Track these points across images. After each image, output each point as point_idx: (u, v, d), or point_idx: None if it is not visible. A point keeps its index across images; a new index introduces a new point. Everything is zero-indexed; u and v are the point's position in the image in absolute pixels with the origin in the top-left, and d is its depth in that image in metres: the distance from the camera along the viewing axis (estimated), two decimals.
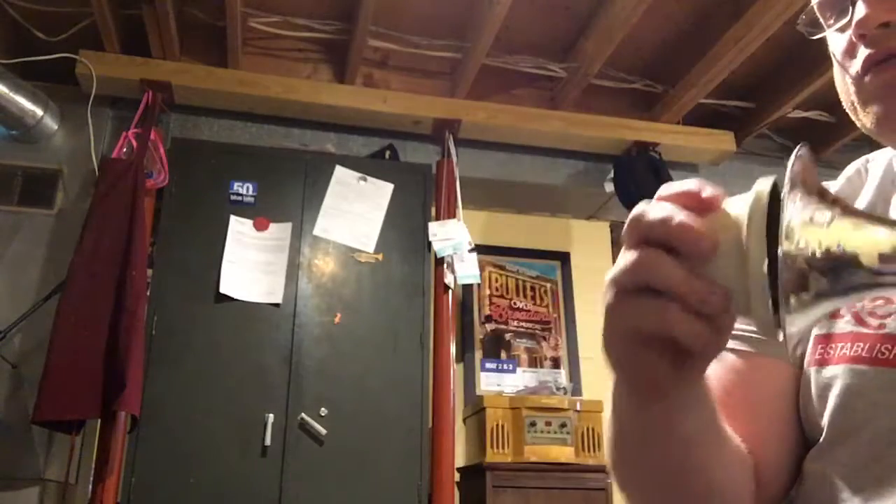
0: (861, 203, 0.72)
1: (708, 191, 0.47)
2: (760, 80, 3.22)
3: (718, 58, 2.87)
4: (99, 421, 2.45)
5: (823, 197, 0.44)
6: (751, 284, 0.43)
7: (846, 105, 0.70)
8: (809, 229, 0.42)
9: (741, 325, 0.72)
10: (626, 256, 0.48)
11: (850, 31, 0.66)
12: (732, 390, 0.70)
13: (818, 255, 0.42)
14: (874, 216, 0.43)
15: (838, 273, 0.42)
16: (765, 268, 0.42)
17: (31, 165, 2.89)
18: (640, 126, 3.30)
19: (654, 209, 0.47)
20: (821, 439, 0.67)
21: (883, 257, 0.41)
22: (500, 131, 3.24)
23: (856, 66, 0.65)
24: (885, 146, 0.73)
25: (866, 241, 0.42)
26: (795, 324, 0.43)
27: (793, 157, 0.45)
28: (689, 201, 0.47)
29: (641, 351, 0.48)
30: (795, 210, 0.43)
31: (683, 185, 0.49)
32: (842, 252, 0.41)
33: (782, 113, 3.25)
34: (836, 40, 0.69)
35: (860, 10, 0.64)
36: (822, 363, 0.68)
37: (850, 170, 0.78)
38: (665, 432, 0.57)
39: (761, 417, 0.70)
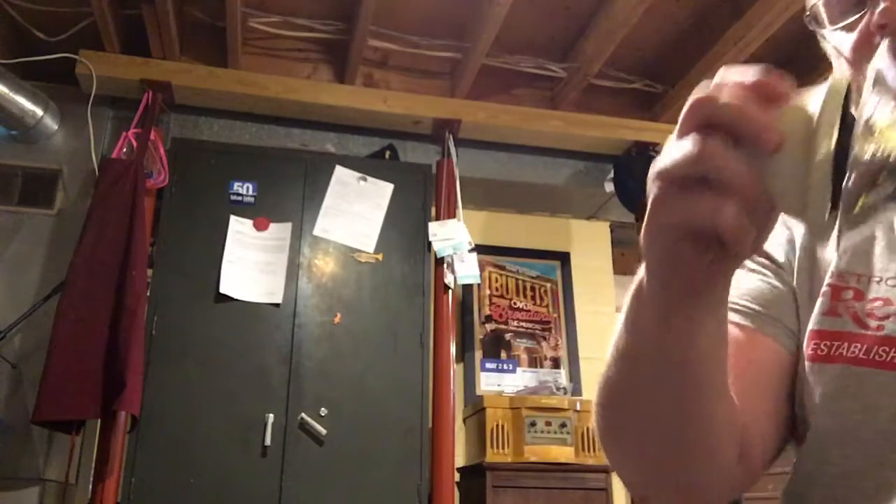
0: None
1: (779, 84, 0.44)
2: None
3: (718, 58, 2.87)
4: (99, 421, 2.45)
5: None
6: (813, 180, 0.40)
7: None
8: (893, 130, 0.38)
9: (742, 301, 0.72)
10: (685, 144, 0.44)
11: (860, 27, 0.64)
12: (732, 359, 0.68)
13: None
14: None
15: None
16: (830, 163, 0.39)
17: (31, 165, 2.89)
18: (640, 126, 3.30)
19: (722, 92, 0.44)
20: (813, 437, 0.66)
21: None
22: (500, 131, 3.24)
23: (876, 58, 0.62)
24: None
25: None
26: (849, 236, 0.41)
27: (880, 50, 0.41)
28: (758, 92, 0.44)
29: (687, 247, 0.46)
30: (879, 107, 0.39)
31: (751, 72, 0.46)
32: None
33: None
34: (843, 37, 0.67)
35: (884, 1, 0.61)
36: (817, 360, 0.67)
37: None
38: (686, 345, 0.54)
39: (754, 392, 0.68)
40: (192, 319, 2.63)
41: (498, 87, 3.25)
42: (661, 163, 0.46)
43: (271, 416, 2.54)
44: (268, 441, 2.51)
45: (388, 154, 3.17)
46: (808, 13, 0.70)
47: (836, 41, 0.68)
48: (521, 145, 3.34)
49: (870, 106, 0.39)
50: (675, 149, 0.45)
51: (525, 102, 3.28)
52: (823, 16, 0.68)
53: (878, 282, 0.66)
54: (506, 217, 3.73)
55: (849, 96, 0.41)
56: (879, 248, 0.67)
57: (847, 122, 0.39)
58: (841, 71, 0.68)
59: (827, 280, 0.68)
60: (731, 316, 0.72)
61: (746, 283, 0.74)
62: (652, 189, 0.46)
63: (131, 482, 2.42)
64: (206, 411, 2.53)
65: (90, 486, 2.45)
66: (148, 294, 2.60)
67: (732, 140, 0.43)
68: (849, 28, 0.66)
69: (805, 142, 0.41)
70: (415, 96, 3.16)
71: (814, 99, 0.42)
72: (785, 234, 0.75)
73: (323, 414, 2.59)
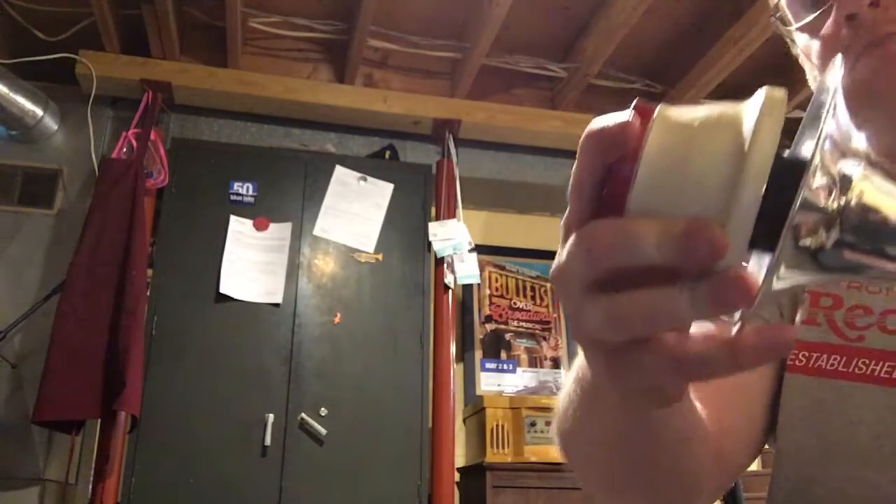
0: None
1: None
2: (760, 80, 3.20)
3: (718, 58, 2.87)
4: (99, 421, 2.45)
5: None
6: (741, 198, 0.31)
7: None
8: (863, 182, 0.32)
9: None
10: (585, 300, 0.33)
11: (823, 31, 0.61)
12: None
13: (867, 208, 0.32)
14: None
15: (878, 241, 0.32)
16: (763, 187, 0.31)
17: (31, 165, 2.89)
18: None
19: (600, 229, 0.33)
20: (794, 452, 0.64)
21: None
22: (500, 131, 3.24)
23: (848, 57, 0.60)
24: None
25: None
26: (777, 281, 0.31)
27: (837, 63, 0.35)
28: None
29: (638, 397, 0.38)
30: (844, 163, 0.33)
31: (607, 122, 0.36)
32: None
33: None
34: (807, 40, 0.64)
35: None
36: (795, 370, 0.65)
37: None
38: (654, 434, 0.49)
39: (728, 396, 0.64)
40: (191, 319, 2.63)
41: (498, 87, 3.25)
42: (574, 326, 0.35)
43: (271, 416, 2.54)
44: (268, 441, 2.51)
45: (388, 154, 3.17)
46: (774, 16, 0.67)
47: (802, 43, 0.66)
48: (521, 145, 3.33)
49: (830, 125, 0.33)
50: (588, 306, 0.34)
51: (525, 102, 3.28)
52: (788, 14, 0.66)
53: (858, 288, 0.64)
54: (506, 217, 3.73)
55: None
56: None
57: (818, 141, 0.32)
58: (813, 76, 0.66)
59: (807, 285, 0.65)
60: None
61: None
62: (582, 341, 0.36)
63: (131, 482, 2.42)
64: (206, 411, 2.53)
65: (90, 486, 2.45)
66: (148, 294, 2.60)
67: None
68: (811, 29, 0.63)
69: (729, 151, 0.32)
70: (415, 96, 3.16)
71: (740, 106, 0.35)
72: None
73: (323, 414, 2.59)
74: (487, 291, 3.56)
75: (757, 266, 0.33)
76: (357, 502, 2.55)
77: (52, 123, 2.91)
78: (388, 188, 2.98)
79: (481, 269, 3.21)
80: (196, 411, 2.52)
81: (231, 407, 2.55)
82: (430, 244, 2.94)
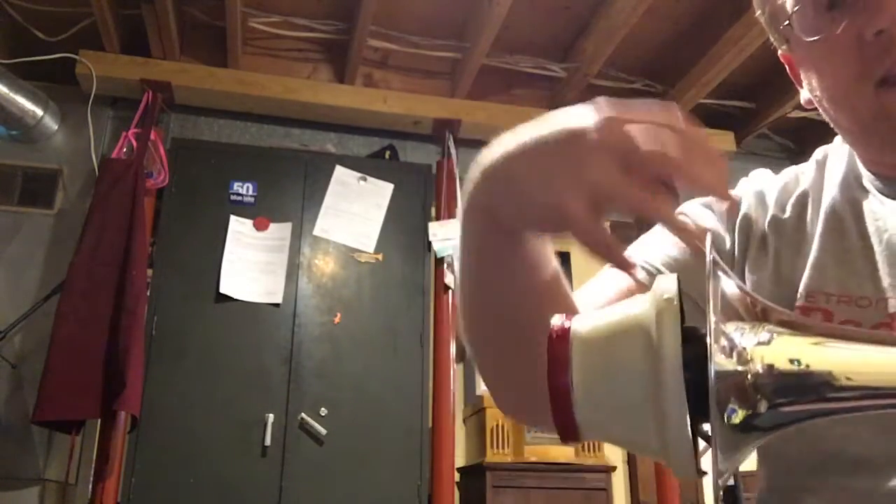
0: (827, 198, 0.68)
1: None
2: (760, 80, 3.22)
3: (718, 58, 2.87)
4: (99, 421, 2.45)
5: (752, 309, 0.37)
6: (667, 412, 0.35)
7: (832, 117, 0.65)
8: (757, 346, 0.35)
9: (656, 265, 0.70)
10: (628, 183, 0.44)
11: (847, 30, 0.60)
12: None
13: (776, 373, 0.34)
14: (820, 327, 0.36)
15: (807, 394, 0.34)
16: (682, 388, 0.34)
17: (31, 165, 2.89)
18: None
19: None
20: (785, 467, 0.64)
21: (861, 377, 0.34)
22: (500, 131, 3.22)
23: (873, 74, 0.59)
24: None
25: (837, 358, 0.34)
26: (727, 466, 0.35)
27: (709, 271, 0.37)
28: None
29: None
30: (735, 334, 0.35)
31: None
32: (807, 370, 0.34)
33: (782, 113, 3.25)
34: (822, 45, 0.63)
35: (876, 2, 0.57)
36: None
37: (819, 154, 0.74)
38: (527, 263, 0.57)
39: None
40: (191, 319, 2.63)
41: (498, 87, 3.25)
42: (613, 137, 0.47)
43: (271, 416, 2.54)
44: (268, 441, 2.51)
45: (388, 154, 3.17)
46: (782, 44, 0.66)
47: (806, 51, 0.65)
48: None
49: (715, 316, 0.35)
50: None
51: (525, 102, 3.28)
52: (794, 22, 0.64)
53: (848, 302, 0.63)
54: None
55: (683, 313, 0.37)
56: (849, 265, 0.64)
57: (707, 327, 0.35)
58: (809, 86, 0.66)
59: (797, 301, 0.65)
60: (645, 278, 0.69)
61: (671, 249, 0.71)
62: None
63: (131, 482, 2.42)
64: (206, 411, 2.53)
65: (90, 486, 2.44)
66: (148, 294, 2.60)
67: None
68: (828, 36, 0.62)
69: (647, 370, 0.36)
70: (415, 96, 3.16)
71: (639, 305, 0.38)
72: (744, 225, 0.71)
73: (323, 414, 2.59)
74: None
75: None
76: (357, 502, 2.55)
77: (52, 123, 2.90)
78: (388, 188, 2.98)
79: None
80: (196, 411, 2.52)
81: (231, 407, 2.55)
82: (430, 244, 2.94)
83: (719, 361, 0.34)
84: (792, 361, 0.34)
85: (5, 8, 2.75)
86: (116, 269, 2.51)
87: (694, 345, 0.35)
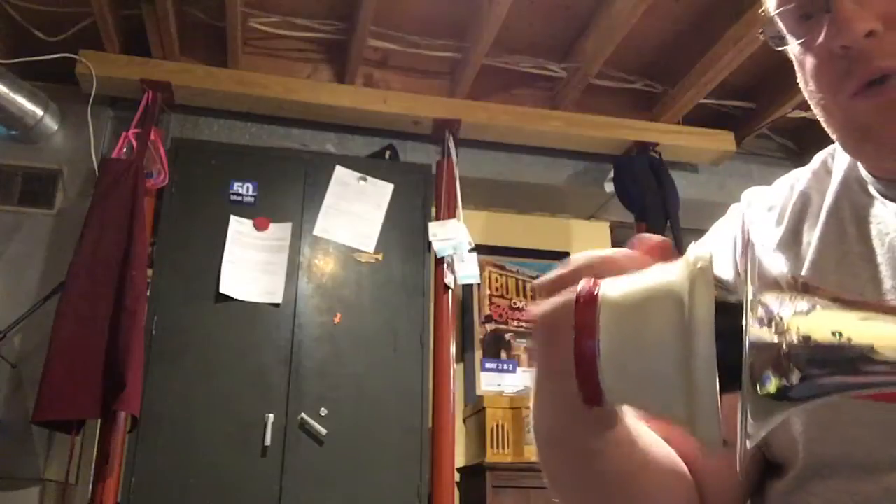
0: (826, 202, 0.68)
1: (600, 256, 0.44)
2: (760, 80, 3.22)
3: (718, 58, 2.87)
4: (99, 421, 2.45)
5: (794, 283, 0.38)
6: (696, 389, 0.35)
7: (823, 123, 0.65)
8: (795, 315, 0.34)
9: None
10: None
11: (821, 42, 0.60)
12: None
13: (813, 344, 0.34)
14: (867, 303, 0.36)
15: (843, 367, 0.34)
16: (714, 371, 0.34)
17: (31, 165, 2.89)
18: (640, 126, 3.30)
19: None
20: (791, 474, 0.64)
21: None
22: (500, 131, 3.24)
23: (844, 88, 0.60)
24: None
25: (881, 331, 0.34)
26: (756, 432, 0.35)
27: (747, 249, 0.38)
28: (588, 272, 0.42)
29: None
30: (776, 304, 0.35)
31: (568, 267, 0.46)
32: (848, 343, 0.34)
33: (782, 113, 3.25)
34: (803, 53, 0.64)
35: (841, 18, 0.58)
36: None
37: (816, 161, 0.74)
38: (590, 446, 0.55)
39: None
40: (191, 319, 2.63)
41: (498, 87, 3.25)
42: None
43: (271, 416, 2.54)
44: (268, 441, 2.51)
45: (388, 154, 3.17)
46: (771, 36, 0.66)
47: (795, 53, 0.65)
48: (521, 145, 3.33)
49: (755, 286, 0.35)
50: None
51: (525, 102, 3.28)
52: (783, 30, 0.64)
53: None
54: (506, 217, 3.73)
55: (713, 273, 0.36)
56: (849, 266, 0.64)
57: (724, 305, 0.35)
58: (807, 91, 0.66)
59: None
60: None
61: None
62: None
63: (131, 482, 2.42)
64: (205, 411, 2.53)
65: (90, 486, 2.45)
66: (148, 294, 2.60)
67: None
68: (808, 44, 0.62)
69: (678, 339, 0.36)
70: (415, 96, 3.16)
71: (671, 273, 0.37)
72: (735, 251, 0.71)
73: (323, 414, 2.59)
74: (487, 291, 3.56)
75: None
76: (357, 502, 2.55)
77: (52, 123, 2.91)
78: (388, 188, 2.98)
79: (481, 269, 3.21)
80: (196, 411, 2.52)
81: (231, 407, 2.55)
82: (430, 244, 2.94)
83: (754, 331, 0.34)
84: (834, 334, 0.34)
85: (5, 8, 2.75)
86: (116, 269, 2.51)
87: (727, 314, 0.35)
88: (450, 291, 2.95)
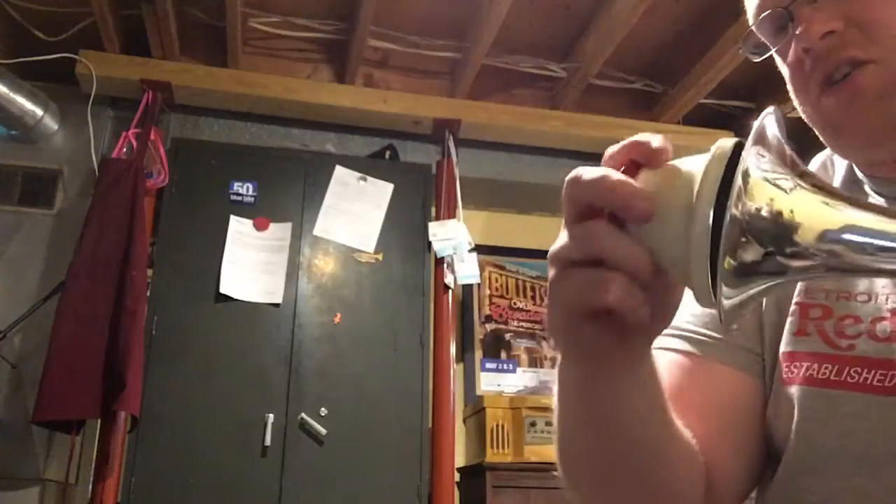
0: None
1: (657, 141, 0.45)
2: (760, 80, 3.22)
3: (718, 58, 2.87)
4: (99, 421, 2.45)
5: (792, 164, 0.40)
6: (692, 247, 0.39)
7: (809, 123, 0.68)
8: (766, 189, 0.38)
9: (695, 327, 0.69)
10: (566, 230, 0.47)
11: (789, 59, 0.65)
12: (685, 391, 0.66)
13: (765, 218, 0.37)
14: (851, 198, 0.38)
15: (778, 244, 0.37)
16: (708, 230, 0.39)
17: (31, 165, 2.89)
18: (640, 126, 3.30)
19: (587, 171, 0.46)
20: (787, 464, 0.64)
21: (823, 236, 0.36)
22: (500, 131, 3.24)
23: (811, 89, 0.64)
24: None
25: (814, 215, 0.37)
26: (731, 298, 0.38)
27: (762, 116, 0.42)
28: (639, 153, 0.45)
29: (586, 325, 0.46)
30: (755, 167, 0.38)
31: (632, 138, 0.46)
32: (788, 221, 0.37)
33: (782, 113, 3.25)
34: (781, 60, 0.68)
35: (800, 24, 0.62)
36: (787, 383, 0.64)
37: (815, 162, 0.76)
38: (614, 406, 0.53)
39: (714, 423, 0.65)
40: (191, 319, 2.63)
41: (498, 87, 3.25)
42: (553, 247, 0.48)
43: (271, 416, 2.54)
44: (268, 441, 2.51)
45: (388, 154, 3.17)
46: (741, 42, 0.71)
47: (780, 65, 0.69)
48: (521, 145, 3.33)
49: (746, 166, 0.38)
50: (563, 234, 0.47)
51: (525, 102, 3.28)
52: (763, 39, 0.69)
53: (847, 298, 0.63)
54: (506, 217, 3.73)
55: (735, 159, 0.40)
56: None
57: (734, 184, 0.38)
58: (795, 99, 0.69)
59: (795, 297, 0.66)
60: (683, 344, 0.69)
61: (699, 310, 0.69)
62: (549, 273, 0.48)
63: (131, 482, 2.42)
64: (205, 411, 2.53)
65: (90, 486, 2.45)
66: (148, 294, 2.60)
67: (614, 216, 0.44)
68: (783, 50, 0.67)
69: (687, 208, 0.40)
70: (415, 96, 3.16)
71: (700, 161, 0.42)
72: None
73: (323, 414, 2.59)
74: (487, 291, 3.56)
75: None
76: (357, 502, 2.55)
77: (52, 123, 2.90)
78: (388, 188, 2.98)
79: (481, 269, 3.21)
80: (196, 411, 2.52)
81: (231, 407, 2.55)
82: (430, 244, 2.94)
83: (736, 204, 0.37)
84: (791, 211, 0.37)
85: (5, 8, 2.75)
86: (116, 269, 2.51)
87: (727, 185, 0.39)
88: (450, 291, 2.95)
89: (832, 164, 0.74)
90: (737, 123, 3.43)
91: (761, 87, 3.26)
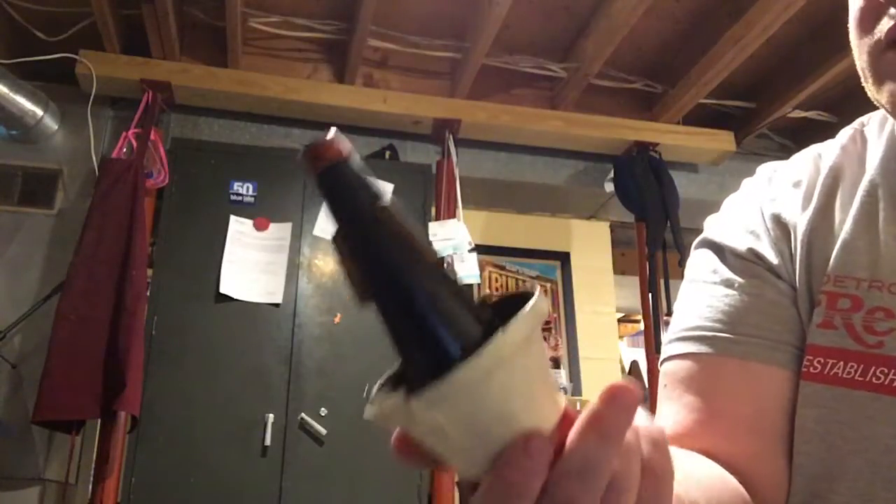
0: (864, 179, 0.64)
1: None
2: (760, 80, 3.22)
3: (718, 58, 2.87)
4: (99, 421, 2.45)
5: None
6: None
7: (860, 70, 0.62)
8: None
9: (713, 324, 0.64)
10: None
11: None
12: (730, 404, 0.61)
13: None
14: None
15: None
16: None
17: (31, 165, 2.89)
18: (640, 126, 3.30)
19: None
20: (803, 467, 0.60)
21: None
22: (500, 131, 3.24)
23: (878, 32, 0.58)
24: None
25: None
26: None
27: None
28: None
29: None
30: None
31: None
32: None
33: (782, 113, 3.25)
34: None
35: None
36: (809, 378, 0.60)
37: (843, 137, 0.70)
38: None
39: (767, 437, 0.61)
40: (191, 319, 2.63)
41: (498, 87, 3.25)
42: None
43: (271, 416, 2.54)
44: (268, 441, 2.51)
45: (388, 154, 3.17)
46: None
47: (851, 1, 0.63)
48: (521, 145, 3.33)
49: None
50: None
51: (525, 102, 3.28)
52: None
53: (880, 288, 0.59)
54: (506, 217, 3.73)
55: None
56: (883, 246, 0.60)
57: None
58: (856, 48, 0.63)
59: (824, 286, 0.61)
60: (714, 348, 0.64)
61: (734, 301, 0.65)
62: None
63: (131, 482, 2.42)
64: (205, 411, 2.53)
65: (90, 486, 2.44)
66: (148, 294, 2.60)
67: None
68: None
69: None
70: (415, 96, 3.16)
71: None
72: (777, 231, 0.67)
73: (323, 414, 2.59)
74: (487, 291, 3.56)
75: None
76: (357, 502, 2.55)
77: (52, 123, 2.91)
78: (387, 188, 2.97)
79: (481, 269, 3.21)
80: (196, 411, 2.52)
81: (231, 407, 2.55)
82: None
83: None
84: None
85: (5, 8, 2.75)
86: (116, 269, 2.51)
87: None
88: None
89: (863, 138, 0.69)
90: (737, 123, 3.44)
91: (761, 87, 3.27)
